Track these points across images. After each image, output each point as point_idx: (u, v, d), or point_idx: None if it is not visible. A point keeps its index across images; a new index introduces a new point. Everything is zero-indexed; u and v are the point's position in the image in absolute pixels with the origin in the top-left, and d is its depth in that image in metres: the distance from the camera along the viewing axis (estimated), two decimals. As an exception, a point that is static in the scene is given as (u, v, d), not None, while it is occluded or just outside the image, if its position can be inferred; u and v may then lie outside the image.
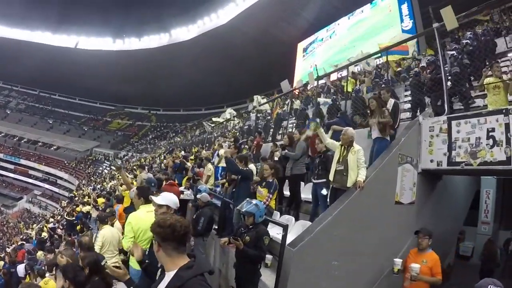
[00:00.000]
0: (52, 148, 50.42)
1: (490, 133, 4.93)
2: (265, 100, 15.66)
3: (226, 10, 36.67)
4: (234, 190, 6.62)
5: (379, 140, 5.86)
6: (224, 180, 7.64)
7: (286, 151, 6.84)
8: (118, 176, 19.88)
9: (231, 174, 6.88)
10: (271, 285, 4.22)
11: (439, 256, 4.71)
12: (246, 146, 10.43)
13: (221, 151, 8.77)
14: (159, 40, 45.06)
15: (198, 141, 21.80)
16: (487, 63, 7.91)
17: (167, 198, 3.78)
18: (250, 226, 4.24)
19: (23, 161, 47.83)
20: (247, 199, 4.72)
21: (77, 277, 3.28)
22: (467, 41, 9.14)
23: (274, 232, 4.85)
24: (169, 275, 1.92)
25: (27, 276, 8.47)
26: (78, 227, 11.97)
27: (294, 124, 11.55)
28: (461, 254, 10.94)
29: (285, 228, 4.22)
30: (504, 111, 4.86)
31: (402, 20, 23.10)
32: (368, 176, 4.74)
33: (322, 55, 29.42)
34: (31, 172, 47.39)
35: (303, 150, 6.60)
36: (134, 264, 3.97)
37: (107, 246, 5.38)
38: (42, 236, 16.98)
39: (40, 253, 10.78)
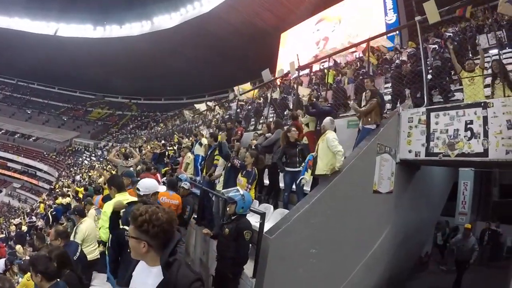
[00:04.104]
0: (31, 139, 48.91)
1: (468, 126, 5.00)
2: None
3: (210, -2, 36.04)
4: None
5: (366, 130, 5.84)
6: None
7: (259, 144, 6.86)
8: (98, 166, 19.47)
9: (223, 157, 6.72)
10: (250, 273, 4.22)
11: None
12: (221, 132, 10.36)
13: (203, 140, 8.73)
14: (140, 28, 43.69)
15: (179, 130, 21.57)
16: (466, 58, 8.05)
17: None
18: (232, 217, 4.15)
19: (1, 153, 46.23)
20: (237, 187, 4.67)
21: (48, 269, 3.16)
22: (450, 34, 9.27)
23: (253, 220, 4.83)
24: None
25: (8, 271, 8.26)
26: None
27: (274, 114, 11.54)
28: (438, 243, 11.24)
29: (262, 216, 4.20)
30: (482, 104, 4.95)
31: (386, 14, 23.21)
32: (346, 164, 4.74)
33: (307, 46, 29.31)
34: (9, 164, 45.89)
35: (277, 135, 6.61)
36: None
37: (89, 241, 5.26)
38: (22, 229, 16.60)
39: (18, 247, 10.51)
